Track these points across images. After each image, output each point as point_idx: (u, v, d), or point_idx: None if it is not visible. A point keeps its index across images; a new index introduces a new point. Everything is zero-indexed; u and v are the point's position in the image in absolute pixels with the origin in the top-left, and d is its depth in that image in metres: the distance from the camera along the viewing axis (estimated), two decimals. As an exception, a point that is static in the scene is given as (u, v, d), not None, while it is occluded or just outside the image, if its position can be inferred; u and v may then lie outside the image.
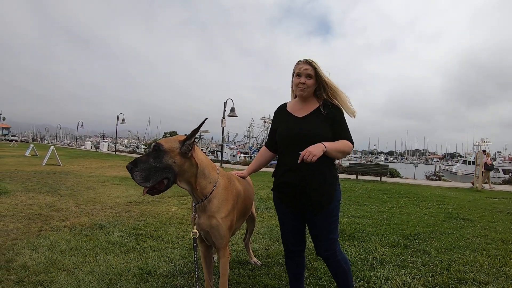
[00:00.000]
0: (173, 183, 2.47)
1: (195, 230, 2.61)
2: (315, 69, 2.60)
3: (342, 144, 2.58)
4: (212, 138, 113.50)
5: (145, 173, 2.33)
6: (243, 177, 3.15)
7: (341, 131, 2.63)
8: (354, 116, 2.69)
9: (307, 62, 2.62)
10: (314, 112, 2.66)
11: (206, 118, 2.67)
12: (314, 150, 2.38)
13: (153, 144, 2.43)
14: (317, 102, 2.70)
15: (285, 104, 2.87)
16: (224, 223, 2.66)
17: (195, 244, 2.62)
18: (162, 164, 2.38)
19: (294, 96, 2.82)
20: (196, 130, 2.54)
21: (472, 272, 3.89)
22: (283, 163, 2.69)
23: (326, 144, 2.47)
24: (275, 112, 2.91)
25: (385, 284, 3.54)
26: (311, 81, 2.62)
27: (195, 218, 2.65)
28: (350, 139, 2.65)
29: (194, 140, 2.54)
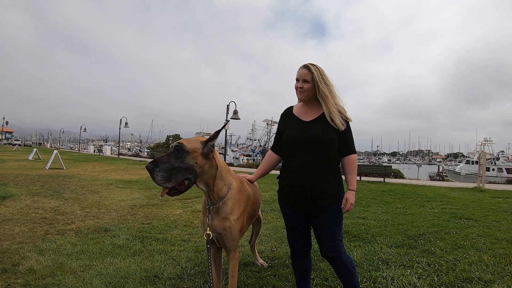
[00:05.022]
0: (193, 184, 2.47)
1: (208, 232, 2.62)
2: (312, 73, 2.62)
3: (354, 169, 2.76)
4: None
5: (167, 174, 2.33)
6: (251, 181, 3.16)
7: (347, 142, 2.72)
8: (340, 129, 2.66)
9: (305, 66, 2.67)
10: (320, 117, 2.69)
11: (228, 121, 2.69)
12: (352, 199, 2.70)
13: (174, 144, 2.43)
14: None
15: (291, 107, 2.90)
16: (236, 225, 2.69)
17: (208, 246, 2.63)
18: (184, 165, 2.38)
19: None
20: (219, 131, 2.58)
21: (477, 271, 3.90)
22: (289, 166, 2.72)
23: (353, 187, 2.73)
24: (281, 115, 2.94)
25: (391, 284, 3.55)
26: (308, 85, 2.65)
27: (208, 220, 2.66)
28: (354, 150, 2.77)
29: (215, 142, 2.56)
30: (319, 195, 2.61)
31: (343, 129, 2.65)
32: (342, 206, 2.69)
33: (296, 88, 2.71)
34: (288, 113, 2.88)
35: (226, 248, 2.75)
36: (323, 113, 2.68)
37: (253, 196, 3.13)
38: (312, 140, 2.60)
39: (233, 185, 2.73)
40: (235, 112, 21.35)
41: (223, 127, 2.60)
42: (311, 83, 2.64)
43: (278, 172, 2.93)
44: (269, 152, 3.04)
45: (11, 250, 4.34)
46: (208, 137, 2.57)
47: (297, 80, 2.70)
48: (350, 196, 2.69)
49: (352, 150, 2.75)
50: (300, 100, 2.77)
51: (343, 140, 2.68)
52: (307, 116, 2.73)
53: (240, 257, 4.28)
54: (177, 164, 2.36)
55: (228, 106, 21.81)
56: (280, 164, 2.99)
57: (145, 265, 3.98)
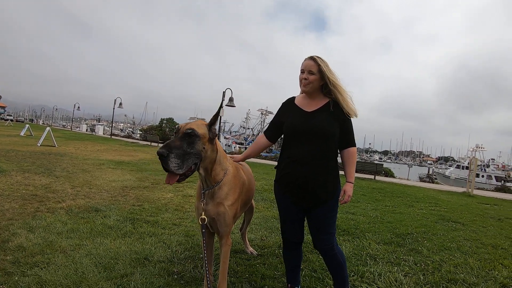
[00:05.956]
0: (196, 169, 2.47)
1: (203, 216, 2.61)
2: (318, 65, 2.63)
3: (354, 162, 2.80)
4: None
5: (180, 160, 2.28)
6: (237, 161, 3.13)
7: (348, 135, 2.75)
8: (356, 116, 2.74)
9: (311, 58, 2.67)
10: (323, 108, 2.71)
11: (221, 104, 2.68)
12: (350, 191, 2.73)
13: (186, 128, 2.39)
14: (325, 99, 2.74)
15: (294, 97, 2.91)
16: (230, 211, 2.70)
17: (203, 230, 2.63)
18: (195, 150, 2.37)
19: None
20: (217, 115, 2.58)
21: (462, 274, 3.96)
22: (288, 156, 2.72)
23: (351, 179, 2.76)
24: (283, 104, 2.94)
25: (378, 280, 3.60)
26: (313, 77, 2.65)
27: (203, 205, 2.66)
28: (354, 143, 2.80)
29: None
30: (318, 187, 2.63)
31: (357, 115, 2.72)
32: (340, 198, 2.72)
33: (301, 79, 2.71)
34: (290, 103, 2.88)
35: (219, 233, 2.76)
36: (326, 104, 2.71)
37: (248, 184, 3.14)
38: (315, 130, 2.62)
39: (229, 170, 2.74)
40: (231, 99, 21.26)
41: (219, 110, 2.60)
42: (317, 75, 2.65)
43: (268, 162, 2.94)
44: (261, 135, 3.04)
45: (0, 227, 4.32)
46: (207, 121, 2.58)
47: (302, 71, 2.70)
48: (348, 188, 2.72)
49: (353, 143, 2.78)
50: (303, 91, 2.77)
51: (344, 132, 2.71)
52: (310, 106, 2.74)
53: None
54: (189, 150, 2.34)
55: (224, 93, 21.71)
56: (271, 153, 2.99)
57: (135, 247, 3.99)
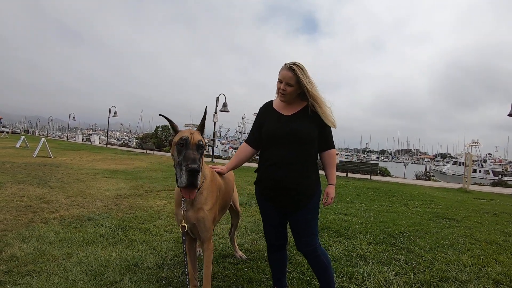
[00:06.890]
0: None
1: (183, 224, 2.62)
2: (297, 77, 2.58)
3: (334, 164, 2.82)
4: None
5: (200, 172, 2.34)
6: (222, 174, 3.07)
7: (327, 138, 2.77)
8: (335, 127, 2.75)
9: (290, 68, 2.59)
10: (301, 112, 2.72)
11: (205, 110, 2.69)
12: (333, 193, 2.79)
13: (197, 140, 2.41)
14: (303, 102, 2.74)
15: (271, 102, 2.90)
16: (210, 215, 2.72)
17: (183, 238, 2.63)
18: (200, 161, 2.42)
19: None
20: (203, 124, 2.65)
21: (454, 271, 3.94)
22: (267, 159, 2.73)
23: (333, 181, 2.81)
24: (261, 109, 2.93)
25: (367, 280, 3.60)
26: (291, 89, 2.63)
27: (183, 212, 2.67)
28: (333, 145, 2.82)
29: None
30: (297, 189, 2.64)
31: (335, 126, 2.72)
32: (324, 200, 2.75)
33: (278, 88, 2.69)
34: (268, 107, 2.88)
35: (201, 238, 2.77)
36: (303, 108, 2.72)
37: (225, 187, 3.17)
38: (293, 134, 2.62)
39: (207, 175, 2.76)
40: (225, 105, 21.23)
41: (204, 117, 2.62)
42: (295, 86, 2.62)
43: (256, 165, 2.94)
44: (244, 144, 2.98)
45: (-6, 238, 4.34)
46: (195, 129, 2.61)
47: (280, 81, 2.66)
48: (330, 191, 2.75)
49: (332, 145, 2.79)
50: (281, 101, 2.77)
51: (323, 135, 2.73)
52: (287, 110, 2.75)
53: (220, 249, 4.33)
54: (201, 162, 2.41)
55: (217, 98, 21.68)
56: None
57: (126, 254, 4.01)
